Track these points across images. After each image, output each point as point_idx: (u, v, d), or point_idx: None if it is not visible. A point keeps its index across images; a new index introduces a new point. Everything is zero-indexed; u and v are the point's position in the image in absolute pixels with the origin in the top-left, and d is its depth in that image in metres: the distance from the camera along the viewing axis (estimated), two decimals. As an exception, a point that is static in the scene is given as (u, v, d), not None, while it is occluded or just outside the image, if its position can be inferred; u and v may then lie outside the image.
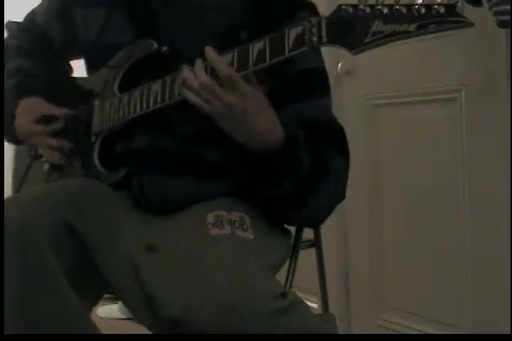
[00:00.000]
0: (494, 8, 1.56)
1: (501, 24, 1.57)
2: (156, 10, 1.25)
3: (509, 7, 1.52)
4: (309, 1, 1.28)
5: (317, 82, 1.24)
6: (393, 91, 2.19)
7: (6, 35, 1.48)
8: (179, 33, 1.23)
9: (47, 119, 1.31)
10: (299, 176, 1.11)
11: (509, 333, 1.75)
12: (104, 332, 1.15)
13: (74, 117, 1.32)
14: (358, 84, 2.29)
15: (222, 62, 1.05)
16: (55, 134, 1.31)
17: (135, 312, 1.10)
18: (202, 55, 1.16)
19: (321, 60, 1.25)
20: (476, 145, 1.91)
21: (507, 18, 1.54)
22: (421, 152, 2.10)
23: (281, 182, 1.12)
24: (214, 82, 1.05)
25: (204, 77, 1.06)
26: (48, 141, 1.30)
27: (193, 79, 1.07)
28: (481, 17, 1.57)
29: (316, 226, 1.40)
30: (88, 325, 1.12)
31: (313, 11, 1.26)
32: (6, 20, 1.51)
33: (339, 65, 2.22)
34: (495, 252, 1.86)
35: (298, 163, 1.11)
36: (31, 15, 1.45)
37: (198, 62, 1.08)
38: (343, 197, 1.23)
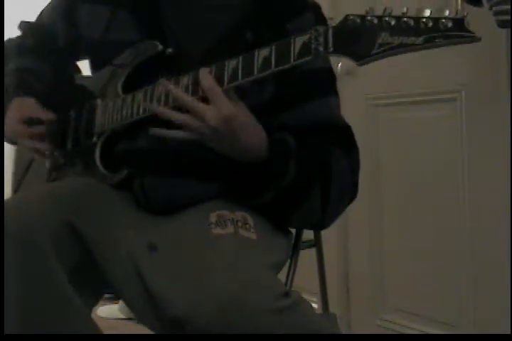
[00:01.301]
0: (494, 8, 1.56)
1: (501, 24, 1.57)
2: (161, 9, 1.25)
3: (509, 7, 1.52)
4: (313, 1, 1.27)
5: (319, 82, 1.23)
6: (393, 91, 2.19)
7: (18, 34, 1.50)
8: (183, 33, 1.22)
9: (34, 121, 1.31)
10: (283, 186, 1.12)
11: (509, 333, 1.75)
12: (105, 332, 1.15)
13: (63, 120, 1.32)
14: (358, 84, 2.30)
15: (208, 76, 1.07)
16: (38, 136, 1.30)
17: (137, 312, 1.10)
18: (205, 55, 1.17)
19: (326, 60, 1.25)
20: (476, 145, 1.91)
21: (507, 18, 1.54)
22: (421, 152, 2.10)
23: (263, 193, 1.13)
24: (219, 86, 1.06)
25: (211, 80, 1.06)
26: (31, 142, 1.30)
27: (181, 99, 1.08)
28: (481, 17, 1.57)
29: (319, 228, 1.40)
30: (90, 325, 1.11)
31: (317, 11, 1.25)
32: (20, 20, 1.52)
33: (339, 65, 2.22)
34: (495, 252, 1.86)
35: (281, 175, 1.12)
36: (40, 15, 1.46)
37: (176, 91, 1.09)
38: (353, 195, 1.23)
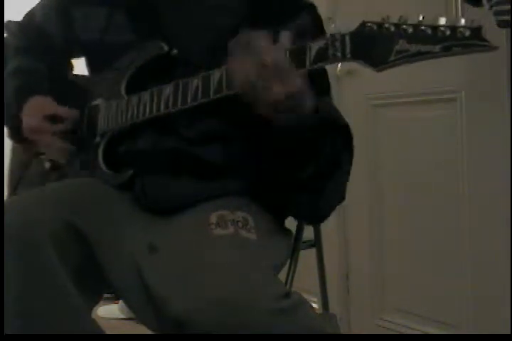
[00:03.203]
0: (494, 8, 1.56)
1: (501, 24, 1.58)
2: (158, 9, 1.25)
3: (509, 7, 1.52)
4: (310, 2, 1.27)
5: (321, 80, 1.23)
6: (393, 91, 2.19)
7: (5, 34, 1.48)
8: (182, 34, 1.22)
9: (54, 119, 1.30)
10: (328, 153, 1.11)
11: (509, 333, 1.75)
12: (104, 332, 1.15)
13: (80, 118, 1.32)
14: (358, 84, 2.30)
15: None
16: (61, 135, 1.30)
17: (137, 312, 1.10)
18: (204, 56, 1.17)
19: None
20: (476, 145, 1.91)
21: (507, 18, 1.54)
22: (421, 152, 2.10)
23: (306, 165, 1.10)
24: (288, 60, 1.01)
25: (281, 54, 1.01)
26: (55, 140, 1.29)
27: (264, 53, 0.99)
28: (481, 17, 1.57)
29: (318, 222, 1.39)
30: (90, 324, 1.11)
31: (313, 11, 1.25)
32: (6, 20, 1.50)
33: (339, 65, 2.22)
34: (495, 252, 1.86)
35: (323, 148, 1.10)
36: (30, 15, 1.44)
37: (264, 37, 1.02)
38: (343, 198, 1.22)
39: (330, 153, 1.12)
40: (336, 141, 1.14)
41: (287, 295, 0.97)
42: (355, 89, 2.30)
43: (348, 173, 1.20)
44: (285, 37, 1.02)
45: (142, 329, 1.11)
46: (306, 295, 1.01)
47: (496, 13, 1.56)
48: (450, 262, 2.00)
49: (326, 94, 1.24)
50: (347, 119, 1.26)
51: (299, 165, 1.12)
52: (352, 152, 1.22)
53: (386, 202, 2.26)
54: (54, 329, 1.06)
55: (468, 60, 1.91)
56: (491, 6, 1.57)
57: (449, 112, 1.99)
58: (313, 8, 1.26)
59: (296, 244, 1.34)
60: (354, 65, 0.97)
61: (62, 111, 1.31)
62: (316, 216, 1.29)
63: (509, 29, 1.67)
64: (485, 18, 1.56)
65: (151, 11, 1.26)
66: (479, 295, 1.92)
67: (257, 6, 1.23)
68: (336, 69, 2.24)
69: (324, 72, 1.24)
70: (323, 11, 1.30)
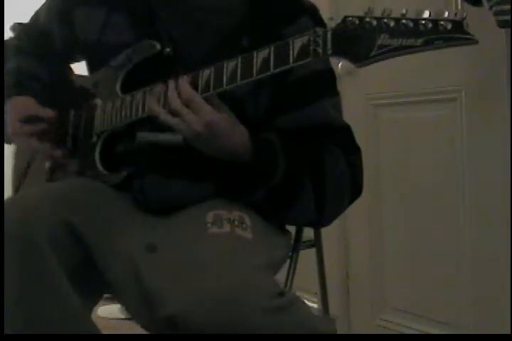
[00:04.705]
0: (494, 8, 1.56)
1: (501, 24, 1.58)
2: (157, 10, 1.25)
3: (509, 7, 1.53)
4: (311, 4, 1.27)
5: (315, 85, 1.23)
6: (393, 91, 2.19)
7: (11, 36, 1.49)
8: (180, 35, 1.22)
9: (34, 120, 1.30)
10: (273, 184, 1.13)
11: (509, 333, 1.75)
12: (105, 332, 1.15)
13: (63, 119, 1.31)
14: (358, 84, 2.29)
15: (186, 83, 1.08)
16: (39, 135, 1.29)
17: (132, 312, 1.10)
18: (201, 56, 1.17)
19: (325, 62, 1.24)
20: (476, 146, 1.91)
21: (507, 18, 1.54)
22: (421, 152, 2.10)
23: (253, 192, 1.15)
24: (199, 95, 1.07)
25: (189, 89, 1.07)
26: (32, 141, 1.29)
27: (174, 95, 1.08)
28: (481, 17, 1.57)
29: (316, 227, 1.40)
30: (88, 325, 1.11)
31: (315, 14, 1.25)
32: (13, 22, 1.51)
33: (339, 65, 2.22)
34: (495, 252, 1.86)
35: (271, 174, 1.13)
36: (35, 17, 1.45)
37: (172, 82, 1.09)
38: (355, 194, 1.23)
39: (286, 175, 1.13)
40: (298, 159, 1.15)
41: (281, 293, 0.98)
42: (355, 89, 2.30)
43: (346, 172, 1.19)
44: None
45: (142, 330, 1.11)
46: (306, 295, 1.01)
47: (496, 13, 1.56)
48: (450, 262, 2.00)
49: (324, 96, 1.24)
50: (347, 119, 1.26)
51: (245, 191, 1.15)
52: (352, 149, 1.21)
53: (386, 202, 2.26)
54: (53, 330, 1.06)
55: (469, 60, 1.91)
56: (491, 6, 1.57)
57: (449, 112, 1.99)
58: (314, 11, 1.26)
59: (296, 244, 1.34)
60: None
61: (39, 111, 1.30)
62: (305, 223, 1.30)
63: (509, 29, 1.67)
64: (485, 18, 1.57)
65: (150, 12, 1.26)
66: (479, 295, 1.92)
67: (258, 8, 1.22)
68: (337, 68, 2.24)
69: (320, 73, 1.23)
70: (324, 11, 1.29)
